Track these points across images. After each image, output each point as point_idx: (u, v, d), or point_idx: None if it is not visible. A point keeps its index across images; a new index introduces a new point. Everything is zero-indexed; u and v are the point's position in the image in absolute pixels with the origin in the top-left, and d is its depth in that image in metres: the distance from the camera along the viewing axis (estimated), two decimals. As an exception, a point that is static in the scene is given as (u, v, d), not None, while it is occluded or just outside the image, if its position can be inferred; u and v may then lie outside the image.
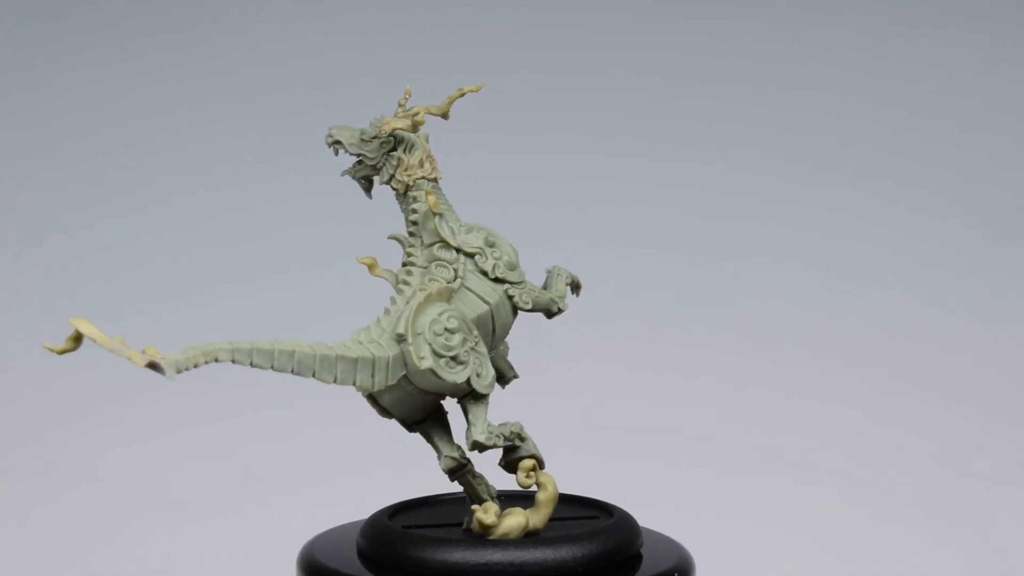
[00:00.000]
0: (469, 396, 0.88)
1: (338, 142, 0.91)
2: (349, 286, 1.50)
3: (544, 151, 1.61)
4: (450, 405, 0.90)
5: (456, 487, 0.92)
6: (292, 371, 0.83)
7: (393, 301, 0.88)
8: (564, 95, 1.63)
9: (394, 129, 0.90)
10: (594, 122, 1.63)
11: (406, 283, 0.88)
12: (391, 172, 0.91)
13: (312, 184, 1.61)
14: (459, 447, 0.90)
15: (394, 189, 0.91)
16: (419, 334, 0.85)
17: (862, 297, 1.56)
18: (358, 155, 0.91)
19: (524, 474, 0.89)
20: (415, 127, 0.90)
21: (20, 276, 1.58)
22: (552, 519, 0.89)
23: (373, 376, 0.85)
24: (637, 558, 0.88)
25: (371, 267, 0.90)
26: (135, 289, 1.57)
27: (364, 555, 0.87)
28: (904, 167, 1.62)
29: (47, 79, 1.64)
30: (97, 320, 0.77)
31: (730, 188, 1.62)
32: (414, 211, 0.90)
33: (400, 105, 0.91)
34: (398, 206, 0.92)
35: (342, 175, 0.93)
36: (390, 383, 0.85)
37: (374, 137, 0.91)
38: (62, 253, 1.59)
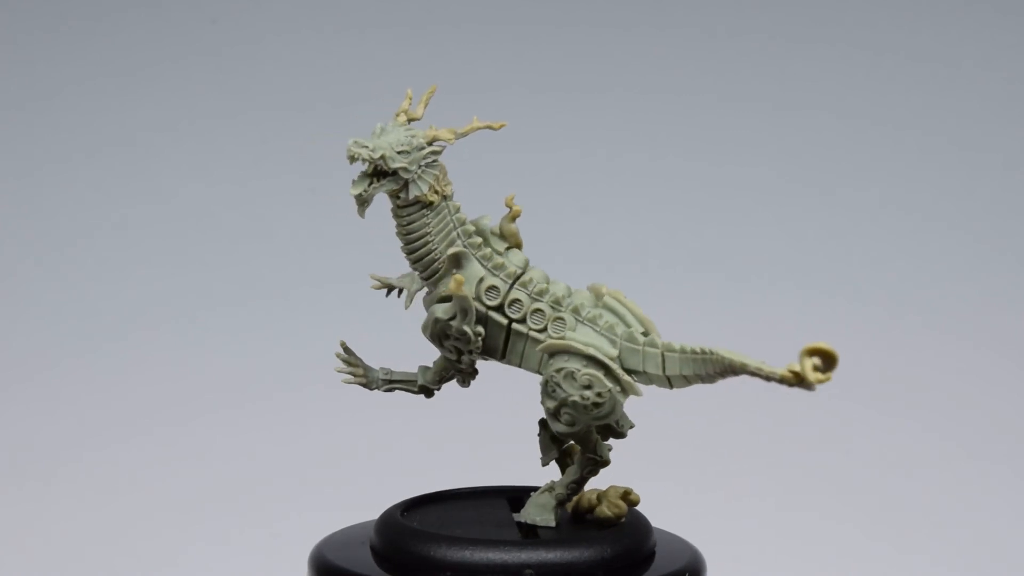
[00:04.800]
0: None
1: (384, 157, 0.84)
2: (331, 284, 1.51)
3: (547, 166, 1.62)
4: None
5: (465, 483, 0.94)
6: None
7: (569, 309, 0.86)
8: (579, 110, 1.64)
9: (459, 136, 0.86)
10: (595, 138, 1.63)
11: (544, 288, 0.86)
12: (430, 183, 0.85)
13: (311, 183, 1.61)
14: None
15: (418, 203, 0.85)
16: None
17: (868, 310, 1.56)
18: (394, 169, 0.84)
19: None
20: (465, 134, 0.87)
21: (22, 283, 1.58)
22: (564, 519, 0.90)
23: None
24: (649, 558, 0.88)
25: (459, 284, 0.85)
26: (134, 292, 1.57)
27: (379, 553, 0.87)
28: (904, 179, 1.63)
29: (45, 80, 1.63)
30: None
31: (730, 201, 1.62)
32: (462, 220, 0.86)
33: (422, 103, 0.86)
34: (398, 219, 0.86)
35: (357, 194, 0.85)
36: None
37: (417, 148, 0.84)
38: (56, 260, 1.59)
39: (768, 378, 0.82)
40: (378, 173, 0.84)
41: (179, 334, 1.54)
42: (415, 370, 0.90)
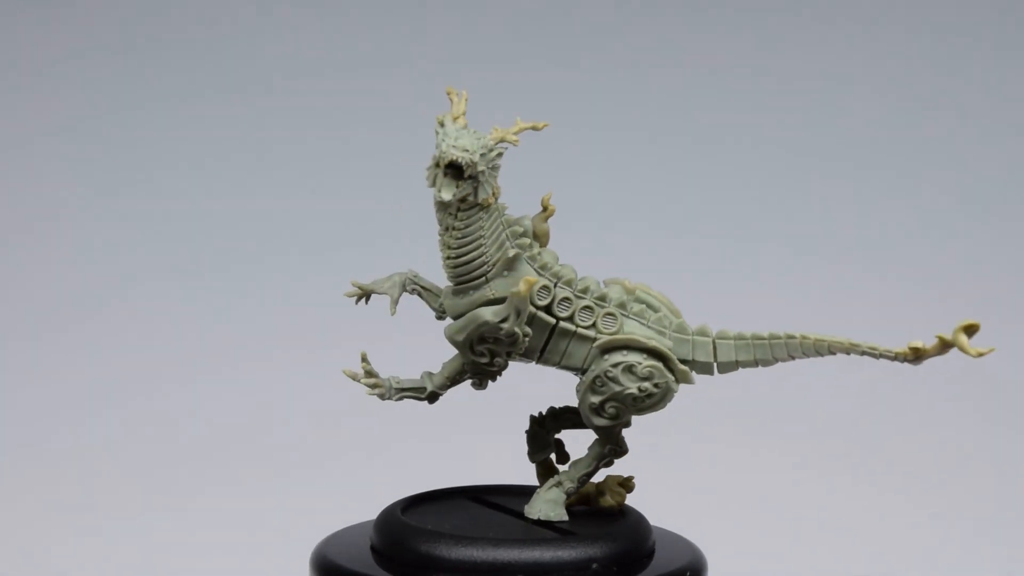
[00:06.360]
0: None
1: (475, 161, 0.83)
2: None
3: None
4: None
5: (467, 481, 0.95)
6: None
7: (614, 304, 0.87)
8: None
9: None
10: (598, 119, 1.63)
11: (586, 286, 0.87)
12: (493, 185, 0.85)
13: (312, 183, 1.61)
14: None
15: (476, 206, 0.85)
16: None
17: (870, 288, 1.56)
18: (475, 174, 0.84)
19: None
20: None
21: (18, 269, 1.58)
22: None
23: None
24: (649, 557, 0.88)
25: (530, 286, 0.85)
26: (132, 286, 1.57)
27: (379, 552, 0.87)
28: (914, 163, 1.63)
29: (46, 79, 1.63)
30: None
31: (729, 198, 1.62)
32: (510, 220, 0.86)
33: (457, 98, 0.86)
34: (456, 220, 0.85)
35: (451, 199, 0.84)
36: None
37: (488, 149, 0.83)
38: (53, 247, 1.59)
39: (881, 356, 0.84)
40: (469, 177, 0.84)
41: (178, 334, 1.54)
42: (417, 376, 0.90)
